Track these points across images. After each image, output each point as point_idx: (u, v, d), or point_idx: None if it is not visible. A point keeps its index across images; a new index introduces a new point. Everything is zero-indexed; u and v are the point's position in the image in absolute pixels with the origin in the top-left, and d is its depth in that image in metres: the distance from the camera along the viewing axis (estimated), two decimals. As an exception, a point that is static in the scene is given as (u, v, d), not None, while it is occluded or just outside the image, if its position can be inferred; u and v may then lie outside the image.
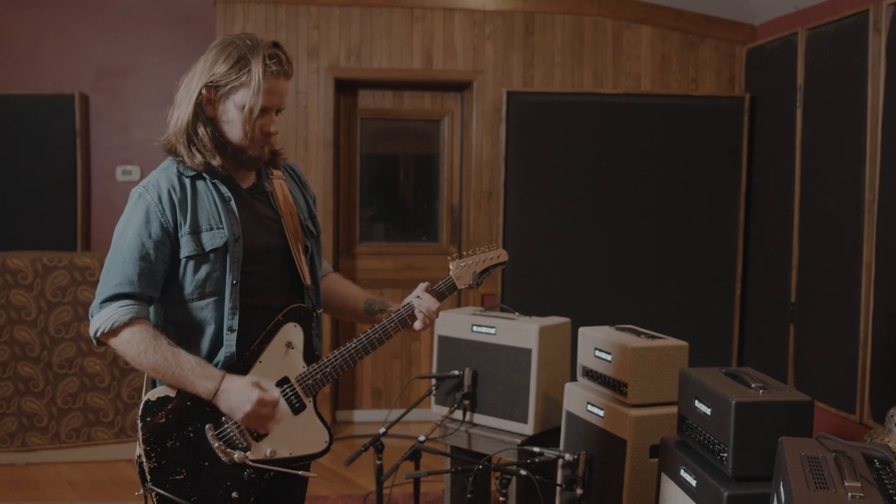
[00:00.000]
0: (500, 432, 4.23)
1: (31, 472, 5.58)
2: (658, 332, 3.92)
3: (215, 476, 2.49)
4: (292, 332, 2.60)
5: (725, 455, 2.74)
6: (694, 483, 2.87)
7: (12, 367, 5.67)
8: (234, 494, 2.50)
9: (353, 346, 2.64)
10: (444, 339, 4.48)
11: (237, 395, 2.45)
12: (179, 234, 2.49)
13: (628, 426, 3.55)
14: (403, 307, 2.73)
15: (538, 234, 6.18)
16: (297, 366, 2.61)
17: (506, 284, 6.14)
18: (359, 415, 6.82)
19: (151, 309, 2.56)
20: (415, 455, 3.91)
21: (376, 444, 3.98)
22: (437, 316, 2.79)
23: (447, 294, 2.81)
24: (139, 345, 2.44)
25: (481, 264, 2.88)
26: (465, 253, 2.88)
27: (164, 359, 2.43)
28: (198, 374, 2.44)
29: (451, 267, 2.84)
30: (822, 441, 2.32)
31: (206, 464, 2.48)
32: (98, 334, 2.46)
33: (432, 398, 4.49)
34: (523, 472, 3.65)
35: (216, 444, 2.47)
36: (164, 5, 6.52)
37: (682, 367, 3.32)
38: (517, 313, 4.41)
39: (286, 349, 2.59)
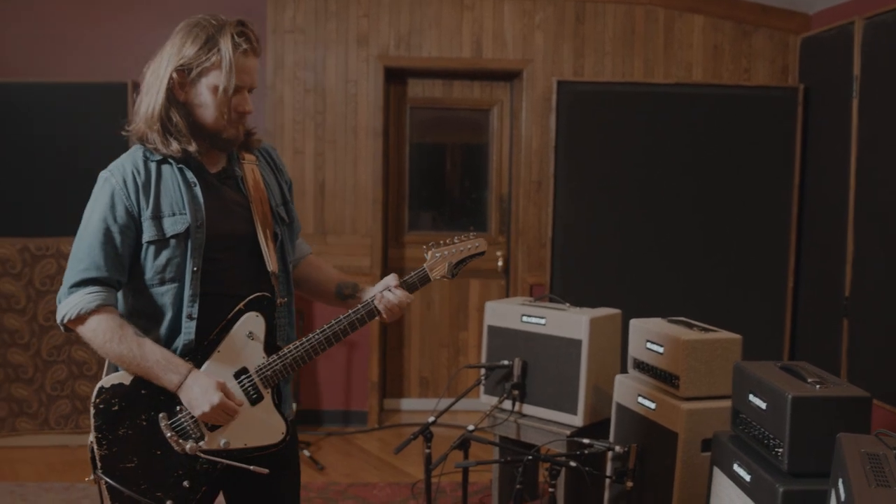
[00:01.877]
0: (550, 423, 4.23)
1: (19, 454, 5.69)
2: (709, 325, 3.89)
3: (167, 465, 2.44)
4: (253, 322, 2.52)
5: (781, 450, 2.71)
6: (748, 478, 2.84)
7: (2, 355, 5.79)
8: (186, 483, 2.45)
9: (316, 337, 2.55)
10: (493, 329, 4.47)
11: (200, 393, 2.39)
12: (142, 219, 2.44)
13: (680, 419, 3.52)
14: (371, 300, 2.61)
15: (588, 224, 6.14)
16: (256, 356, 2.52)
17: (555, 275, 6.12)
18: (406, 403, 6.84)
19: (119, 294, 2.52)
20: (464, 444, 3.91)
21: (425, 432, 3.98)
22: (404, 308, 2.64)
23: (419, 286, 2.70)
24: (105, 333, 2.40)
25: (458, 255, 2.78)
26: (441, 242, 2.77)
27: (130, 349, 2.39)
28: (162, 367, 2.40)
29: (426, 256, 2.74)
30: (882, 438, 2.29)
31: (159, 452, 2.43)
32: (65, 321, 2.43)
33: (481, 388, 4.49)
34: (573, 464, 3.64)
35: (169, 434, 2.41)
36: (216, -5, 6.56)
37: (735, 361, 3.28)
38: (567, 304, 4.39)
39: (246, 339, 2.51)
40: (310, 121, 6.39)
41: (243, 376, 2.51)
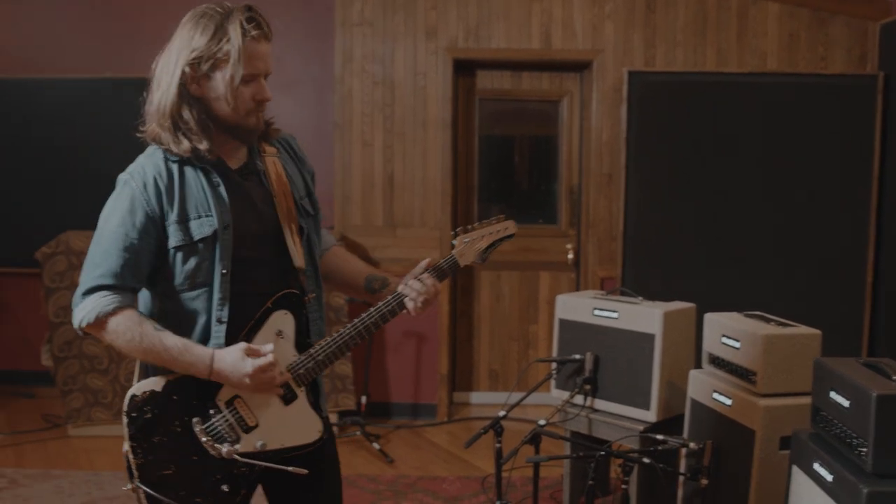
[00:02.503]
0: (622, 418, 4.18)
1: (95, 444, 5.77)
2: (784, 319, 3.80)
3: (204, 470, 2.40)
4: (282, 320, 2.47)
5: (864, 450, 2.63)
6: (830, 478, 2.76)
7: (78, 346, 5.85)
8: (225, 488, 2.42)
9: (347, 332, 2.49)
10: (564, 323, 4.43)
11: (232, 372, 2.35)
12: (166, 223, 2.38)
13: (757, 416, 3.44)
14: (394, 295, 2.55)
15: (660, 216, 6.04)
16: (287, 355, 2.47)
17: (626, 268, 6.03)
18: (475, 397, 6.82)
19: (144, 295, 2.48)
20: (534, 439, 3.86)
21: (496, 426, 3.95)
22: (432, 298, 2.57)
23: (449, 273, 2.64)
24: (126, 333, 2.35)
25: (486, 239, 2.72)
26: (469, 227, 2.71)
27: (152, 345, 2.34)
28: (188, 358, 2.35)
29: (454, 243, 2.68)
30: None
31: (195, 458, 2.39)
32: (83, 325, 2.37)
33: (552, 382, 4.45)
34: (646, 460, 3.58)
35: (204, 439, 2.37)
36: (286, -11, 6.58)
37: (814, 357, 3.20)
38: (640, 298, 4.33)
39: (276, 338, 2.45)
40: (378, 113, 6.39)
41: None
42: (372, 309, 2.54)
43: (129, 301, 2.40)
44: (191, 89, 2.38)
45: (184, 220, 2.39)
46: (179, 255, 2.39)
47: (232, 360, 2.35)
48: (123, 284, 2.37)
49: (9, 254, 6.74)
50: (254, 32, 2.37)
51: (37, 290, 6.12)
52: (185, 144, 2.37)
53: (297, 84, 6.51)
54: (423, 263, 2.62)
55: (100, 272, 2.36)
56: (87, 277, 2.38)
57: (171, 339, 2.35)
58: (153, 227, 2.38)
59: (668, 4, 6.33)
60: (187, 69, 2.36)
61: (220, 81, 2.37)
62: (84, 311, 2.36)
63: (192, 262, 2.39)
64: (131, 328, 2.35)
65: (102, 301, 2.35)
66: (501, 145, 6.96)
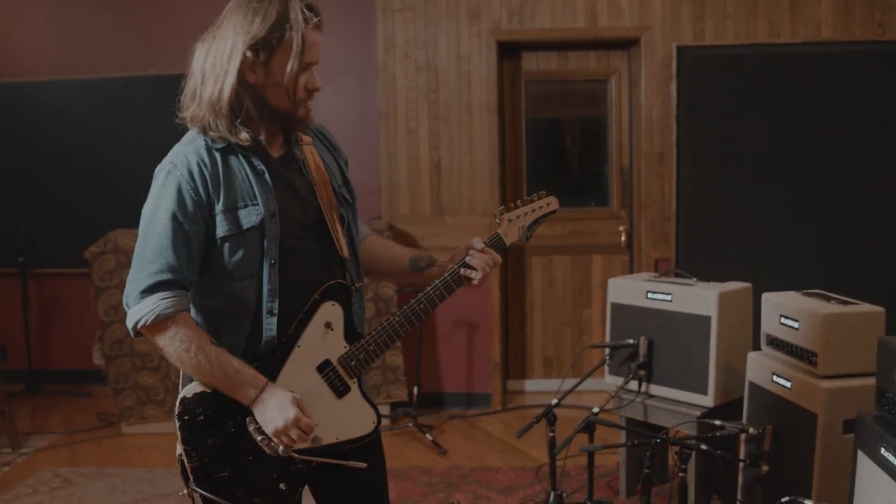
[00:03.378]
0: (678, 404, 4.08)
1: (147, 441, 5.78)
2: (845, 297, 3.65)
3: (260, 469, 2.34)
4: (331, 312, 2.41)
5: (934, 433, 2.49)
6: (897, 462, 2.63)
7: (129, 344, 5.85)
8: (282, 486, 2.36)
9: (397, 319, 2.43)
10: (617, 307, 4.33)
11: (275, 408, 2.27)
12: (214, 213, 2.30)
13: (819, 399, 3.31)
14: (450, 272, 2.49)
15: (714, 195, 5.88)
16: (338, 346, 2.42)
17: (680, 249, 5.89)
18: (530, 384, 6.73)
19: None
20: (588, 427, 3.78)
21: (548, 415, 3.88)
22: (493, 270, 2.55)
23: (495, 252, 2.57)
24: (182, 342, 2.26)
25: (530, 216, 2.64)
26: (511, 205, 2.63)
27: (207, 359, 2.26)
28: (239, 380, 2.28)
29: (497, 222, 2.60)
30: None
31: (250, 458, 2.33)
32: (139, 326, 2.28)
33: (606, 368, 4.36)
34: (704, 447, 3.49)
35: (259, 438, 2.30)
36: (325, -23, 6.51)
37: (878, 335, 3.06)
38: (694, 279, 4.21)
39: (325, 330, 2.40)
40: (423, 99, 6.30)
41: (327, 369, 2.42)
42: (420, 295, 2.47)
43: (187, 304, 2.33)
44: (248, 76, 2.30)
45: (232, 209, 2.31)
46: (227, 246, 2.31)
47: (281, 398, 2.29)
48: (182, 279, 2.29)
49: (58, 254, 6.80)
50: (315, 20, 2.31)
51: (87, 290, 6.15)
52: (244, 134, 2.31)
53: (339, 73, 6.45)
54: (475, 240, 2.54)
55: (156, 268, 2.27)
56: (141, 275, 2.28)
57: (226, 358, 2.29)
58: (202, 216, 2.29)
59: (717, -24, 6.16)
60: (249, 54, 2.27)
61: (278, 69, 2.29)
62: (142, 311, 2.27)
63: (239, 253, 2.32)
64: (189, 337, 2.27)
65: (162, 303, 2.26)
66: (549, 128, 6.84)
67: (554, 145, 6.84)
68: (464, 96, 6.29)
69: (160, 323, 2.27)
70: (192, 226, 2.28)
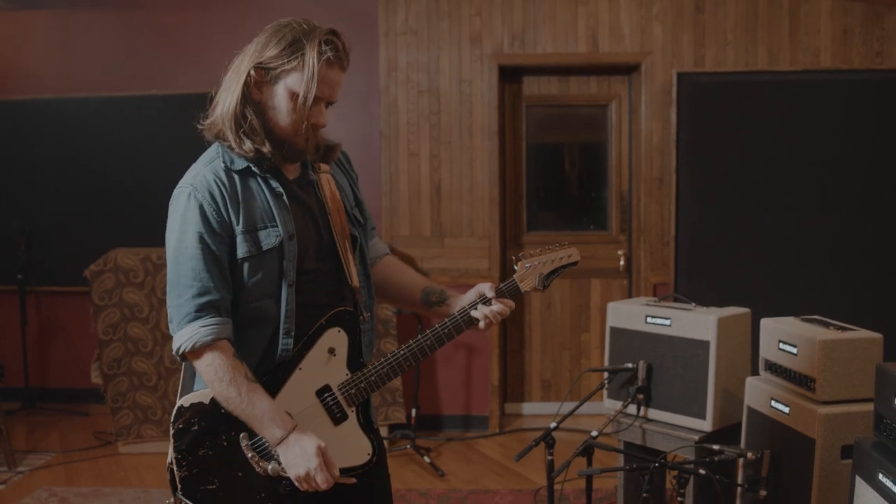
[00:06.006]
0: (677, 428, 4.07)
1: (144, 461, 5.77)
2: (843, 323, 3.66)
3: (249, 487, 2.34)
4: (335, 338, 2.43)
5: (932, 459, 2.50)
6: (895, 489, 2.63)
7: (127, 363, 5.87)
8: None
9: (402, 353, 2.44)
10: (616, 331, 4.33)
11: (300, 453, 2.29)
12: (235, 233, 2.33)
13: (817, 424, 3.31)
14: (461, 312, 2.50)
15: (713, 220, 5.91)
16: (339, 373, 2.43)
17: (679, 274, 5.91)
18: (528, 407, 6.73)
19: None
20: (587, 451, 3.77)
21: (547, 438, 3.87)
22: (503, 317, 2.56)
23: (509, 298, 2.58)
24: (217, 371, 2.29)
25: (549, 265, 2.62)
26: (532, 252, 2.63)
27: (239, 392, 2.28)
28: (267, 419, 2.30)
29: (515, 268, 2.61)
30: None
31: (240, 474, 2.34)
32: (181, 352, 2.33)
33: (605, 392, 4.36)
34: (702, 471, 3.48)
35: (250, 455, 2.33)
36: (328, 2, 6.56)
37: (877, 362, 3.07)
38: (693, 304, 4.22)
39: (328, 355, 2.42)
40: (424, 122, 6.33)
41: (326, 394, 2.43)
42: (428, 330, 2.49)
43: (229, 331, 2.34)
44: (252, 93, 2.35)
45: (251, 230, 2.35)
46: (247, 266, 2.35)
47: (308, 444, 2.30)
48: (221, 299, 2.33)
49: (58, 273, 6.81)
50: (330, 55, 2.33)
51: (86, 309, 6.16)
52: (248, 145, 2.34)
53: (342, 95, 6.42)
54: (486, 287, 2.55)
55: (194, 291, 2.31)
56: (181, 300, 2.32)
57: (259, 395, 2.31)
58: (227, 235, 2.34)
59: (718, 4, 6.20)
60: (253, 72, 2.33)
61: (282, 92, 2.34)
62: (182, 338, 2.32)
63: (259, 274, 2.35)
64: (224, 367, 2.30)
65: (202, 330, 2.30)
66: (550, 152, 6.87)
67: (554, 169, 6.87)
68: (465, 119, 6.32)
69: (198, 350, 2.31)
70: (219, 246, 2.32)
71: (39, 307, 7.01)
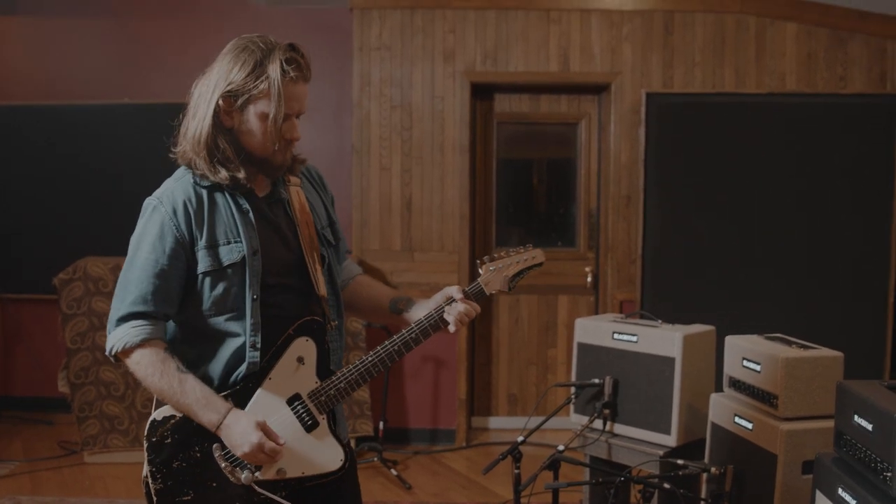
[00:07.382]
0: (642, 443, 4.12)
1: (111, 470, 5.75)
2: (805, 342, 3.74)
3: (223, 497, 2.38)
4: (304, 347, 2.47)
5: (889, 474, 2.57)
6: (854, 503, 2.71)
7: (94, 372, 5.86)
8: None
9: (371, 359, 2.48)
10: (583, 347, 4.39)
11: (239, 434, 2.34)
12: (196, 249, 2.39)
13: (779, 440, 3.38)
14: (427, 317, 2.54)
15: (679, 239, 6.00)
16: (309, 381, 2.47)
17: (645, 291, 5.99)
18: (494, 421, 6.77)
19: (171, 324, 2.49)
20: (553, 465, 3.82)
21: (514, 452, 3.91)
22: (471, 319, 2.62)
23: (475, 300, 2.63)
24: (147, 368, 2.37)
25: (514, 267, 2.69)
26: (496, 255, 2.69)
27: (170, 384, 2.35)
28: (202, 405, 2.35)
29: (480, 271, 2.66)
30: None
31: (214, 485, 2.38)
32: (112, 353, 2.41)
33: (571, 406, 4.40)
34: (666, 486, 3.54)
35: (223, 465, 2.37)
36: (302, 14, 6.61)
37: (837, 380, 3.14)
38: (660, 321, 4.28)
39: (297, 364, 2.46)
40: (396, 137, 6.38)
41: (297, 402, 2.47)
42: (395, 336, 2.52)
43: (160, 331, 2.43)
44: (224, 121, 2.40)
45: (213, 246, 2.40)
46: (208, 281, 2.40)
47: (245, 424, 2.36)
48: (156, 311, 2.40)
49: (26, 280, 6.77)
50: (293, 74, 2.39)
51: (54, 317, 6.14)
52: (223, 173, 2.39)
53: (315, 109, 6.43)
54: (454, 290, 2.60)
55: (132, 299, 2.39)
56: (119, 305, 2.41)
57: (191, 383, 2.37)
58: (183, 252, 2.39)
59: (686, 26, 6.31)
60: (221, 102, 2.37)
61: (253, 116, 2.39)
62: (114, 339, 2.40)
63: (220, 288, 2.41)
64: (153, 363, 2.37)
65: (132, 331, 2.38)
66: (520, 168, 6.94)
67: (524, 186, 6.94)
68: (437, 135, 6.38)
69: (127, 350, 2.38)
70: (171, 261, 2.38)
71: (5, 314, 6.96)
